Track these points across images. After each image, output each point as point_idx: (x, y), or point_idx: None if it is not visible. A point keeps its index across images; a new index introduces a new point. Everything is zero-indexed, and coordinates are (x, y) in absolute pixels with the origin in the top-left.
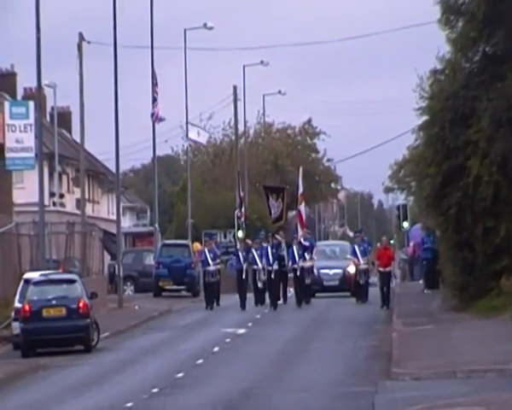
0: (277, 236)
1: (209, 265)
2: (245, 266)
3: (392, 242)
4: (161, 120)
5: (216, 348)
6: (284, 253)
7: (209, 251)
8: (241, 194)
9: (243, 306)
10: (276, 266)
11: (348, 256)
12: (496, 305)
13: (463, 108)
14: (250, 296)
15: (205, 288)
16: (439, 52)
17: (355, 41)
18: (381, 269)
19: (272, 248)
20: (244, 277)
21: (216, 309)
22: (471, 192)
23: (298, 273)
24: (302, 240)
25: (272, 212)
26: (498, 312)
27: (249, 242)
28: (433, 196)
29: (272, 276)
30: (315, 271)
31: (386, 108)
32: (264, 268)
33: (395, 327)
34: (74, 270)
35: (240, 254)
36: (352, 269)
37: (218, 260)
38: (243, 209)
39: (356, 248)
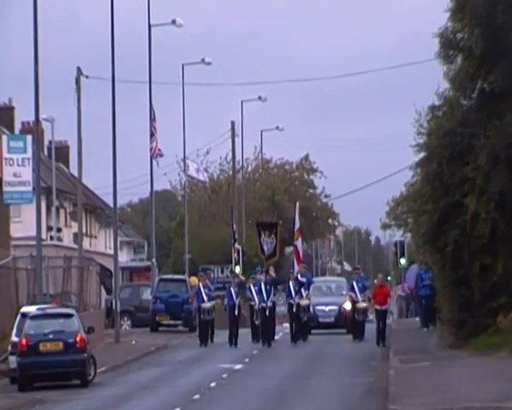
0: (271, 272)
1: (204, 301)
2: (237, 302)
3: (389, 278)
4: (160, 155)
5: (213, 384)
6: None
7: (204, 286)
8: (235, 229)
9: (233, 343)
10: (270, 303)
11: (344, 292)
12: (493, 342)
13: (461, 145)
14: (243, 333)
15: (199, 325)
16: (439, 88)
17: (354, 78)
18: (377, 307)
19: (266, 285)
20: (236, 313)
21: (211, 345)
22: (468, 229)
23: (294, 310)
24: (299, 276)
25: (265, 249)
26: (495, 349)
27: (242, 277)
28: (430, 233)
29: (267, 313)
30: (310, 308)
31: (385, 145)
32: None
33: (392, 364)
34: (71, 304)
35: (232, 289)
36: (347, 306)
37: (212, 296)
38: (236, 244)
39: (354, 284)
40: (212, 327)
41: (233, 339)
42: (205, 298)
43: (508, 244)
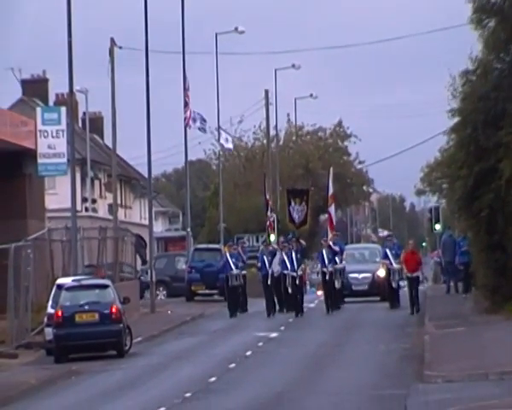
0: (301, 241)
1: (232, 269)
2: (270, 271)
3: (424, 244)
4: (203, 121)
5: (248, 352)
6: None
7: (231, 256)
8: (268, 197)
9: (270, 313)
10: (300, 272)
11: (378, 260)
12: None
13: (495, 110)
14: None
15: (228, 294)
16: (472, 52)
17: (386, 44)
18: (408, 275)
19: (297, 254)
20: (270, 282)
21: (245, 315)
22: (503, 194)
23: (327, 277)
24: (331, 243)
25: (296, 217)
26: None
27: (275, 245)
28: (464, 199)
29: (297, 282)
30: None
31: (418, 111)
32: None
33: (427, 330)
34: (126, 274)
35: (265, 258)
36: (381, 273)
37: (242, 266)
38: (269, 213)
39: (388, 251)
40: (244, 295)
41: (271, 309)
42: (233, 267)
43: None
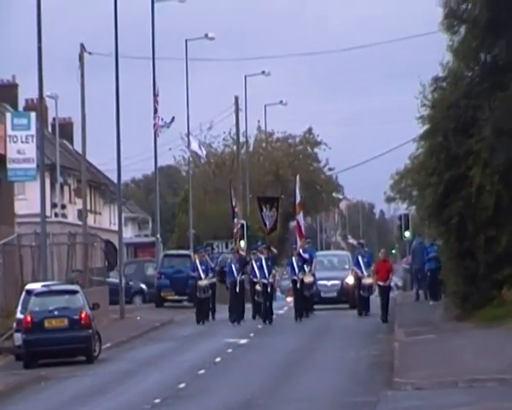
0: (273, 248)
1: (201, 278)
2: (238, 279)
3: (393, 251)
4: (167, 126)
5: (218, 359)
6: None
7: (201, 263)
8: (234, 204)
9: (236, 320)
10: (271, 279)
11: (347, 267)
12: (498, 314)
13: (465, 117)
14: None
15: (197, 303)
16: (443, 59)
17: (357, 51)
18: (380, 283)
19: (267, 261)
20: (238, 290)
21: (213, 322)
22: (473, 202)
23: (298, 286)
24: (301, 251)
25: (267, 223)
26: (500, 321)
27: (242, 252)
28: (434, 206)
29: (268, 289)
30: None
31: (388, 118)
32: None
33: (397, 337)
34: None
35: (233, 266)
36: (350, 280)
37: (211, 274)
38: (235, 220)
39: (360, 259)
40: (213, 304)
41: (234, 316)
42: (202, 275)
43: None
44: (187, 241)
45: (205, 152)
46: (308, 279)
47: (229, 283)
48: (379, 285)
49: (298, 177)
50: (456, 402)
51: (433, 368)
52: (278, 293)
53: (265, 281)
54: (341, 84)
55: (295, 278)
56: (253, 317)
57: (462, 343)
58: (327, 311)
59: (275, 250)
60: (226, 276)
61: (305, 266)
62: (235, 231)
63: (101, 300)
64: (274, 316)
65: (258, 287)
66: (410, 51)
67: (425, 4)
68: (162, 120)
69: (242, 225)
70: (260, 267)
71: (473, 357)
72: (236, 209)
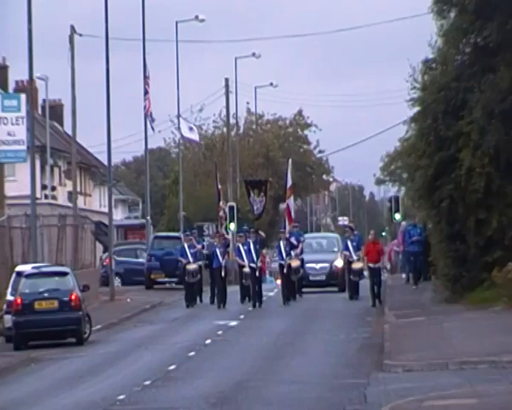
0: (261, 232)
1: (189, 262)
2: (223, 263)
3: (383, 234)
4: (152, 120)
5: (208, 341)
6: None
7: (189, 247)
8: (219, 187)
9: (219, 305)
10: (259, 264)
11: (336, 249)
12: (488, 297)
13: (455, 100)
14: (230, 291)
15: (185, 287)
16: (432, 39)
17: (348, 33)
18: (370, 265)
19: (255, 245)
20: (223, 274)
21: (204, 303)
22: (463, 184)
23: (285, 270)
24: (288, 236)
25: (255, 208)
26: (490, 303)
27: (227, 236)
28: (424, 188)
29: (257, 273)
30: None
31: (379, 100)
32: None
33: (387, 319)
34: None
35: (217, 250)
36: (339, 263)
37: (198, 256)
38: (220, 203)
39: (349, 243)
40: (200, 288)
41: (216, 300)
42: (190, 259)
43: (502, 198)
44: (177, 223)
45: (197, 135)
46: (295, 264)
47: (215, 268)
48: (369, 267)
49: (290, 160)
50: (447, 384)
51: (423, 350)
52: (267, 275)
53: (254, 265)
54: (334, 66)
55: (282, 262)
56: (241, 301)
57: (453, 326)
58: (316, 294)
59: (263, 234)
60: (212, 261)
61: (291, 252)
62: (220, 214)
63: (91, 281)
64: (264, 298)
65: (245, 269)
66: (403, 34)
67: None
68: (151, 116)
69: (232, 208)
70: (248, 251)
71: (463, 339)
72: (221, 193)
